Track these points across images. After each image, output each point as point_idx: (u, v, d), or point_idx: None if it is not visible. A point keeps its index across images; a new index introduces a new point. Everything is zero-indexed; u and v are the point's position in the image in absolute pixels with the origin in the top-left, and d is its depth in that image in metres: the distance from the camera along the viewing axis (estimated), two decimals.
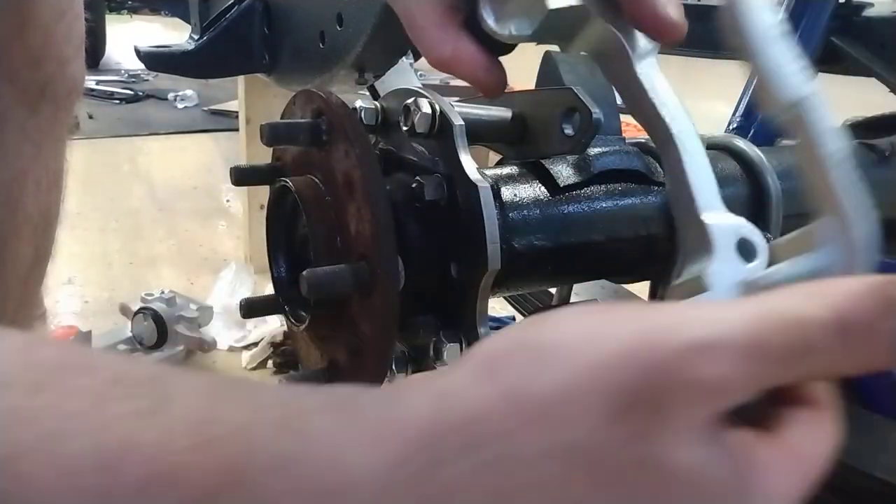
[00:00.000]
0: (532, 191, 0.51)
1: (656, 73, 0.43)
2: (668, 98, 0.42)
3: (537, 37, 0.45)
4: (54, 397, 0.24)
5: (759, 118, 0.91)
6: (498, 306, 1.59)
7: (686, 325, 0.25)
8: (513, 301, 0.82)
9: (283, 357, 1.59)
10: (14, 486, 0.23)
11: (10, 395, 0.24)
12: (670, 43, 0.42)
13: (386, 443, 0.24)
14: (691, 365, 0.24)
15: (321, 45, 1.50)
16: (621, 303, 0.27)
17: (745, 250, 0.37)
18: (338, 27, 1.40)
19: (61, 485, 0.23)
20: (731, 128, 0.94)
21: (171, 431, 0.24)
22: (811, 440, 0.28)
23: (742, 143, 0.64)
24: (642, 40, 0.43)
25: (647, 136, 0.61)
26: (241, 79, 1.93)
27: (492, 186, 0.47)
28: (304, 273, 0.45)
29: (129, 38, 4.54)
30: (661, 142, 0.42)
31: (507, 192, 0.50)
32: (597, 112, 0.48)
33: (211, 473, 0.24)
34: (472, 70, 0.46)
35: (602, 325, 0.26)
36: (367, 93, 0.52)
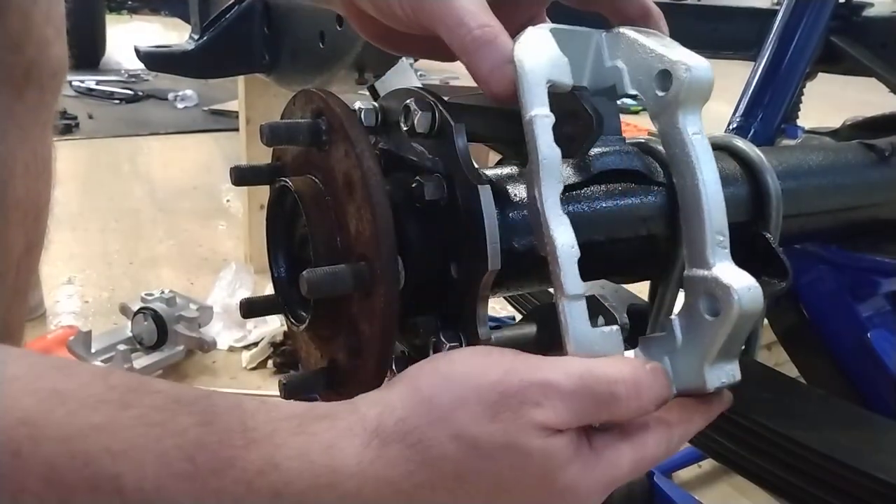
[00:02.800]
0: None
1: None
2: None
3: None
4: (137, 412, 0.36)
5: (760, 118, 0.92)
6: (498, 306, 1.59)
7: (536, 370, 0.41)
8: (513, 301, 0.82)
9: (283, 357, 1.59)
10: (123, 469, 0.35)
11: (105, 409, 0.36)
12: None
13: (356, 437, 0.40)
14: (534, 393, 0.40)
15: (321, 45, 1.50)
16: (495, 349, 0.44)
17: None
18: (338, 27, 1.40)
19: (161, 472, 0.35)
20: (730, 128, 0.94)
21: (227, 433, 0.38)
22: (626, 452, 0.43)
23: (742, 143, 0.64)
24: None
25: (646, 136, 0.61)
26: (241, 79, 1.93)
27: (492, 186, 0.47)
28: (304, 273, 0.45)
29: (129, 38, 4.54)
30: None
31: (507, 192, 0.50)
32: (598, 116, 0.48)
33: (254, 462, 0.37)
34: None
35: (483, 362, 0.42)
36: (367, 93, 0.52)
